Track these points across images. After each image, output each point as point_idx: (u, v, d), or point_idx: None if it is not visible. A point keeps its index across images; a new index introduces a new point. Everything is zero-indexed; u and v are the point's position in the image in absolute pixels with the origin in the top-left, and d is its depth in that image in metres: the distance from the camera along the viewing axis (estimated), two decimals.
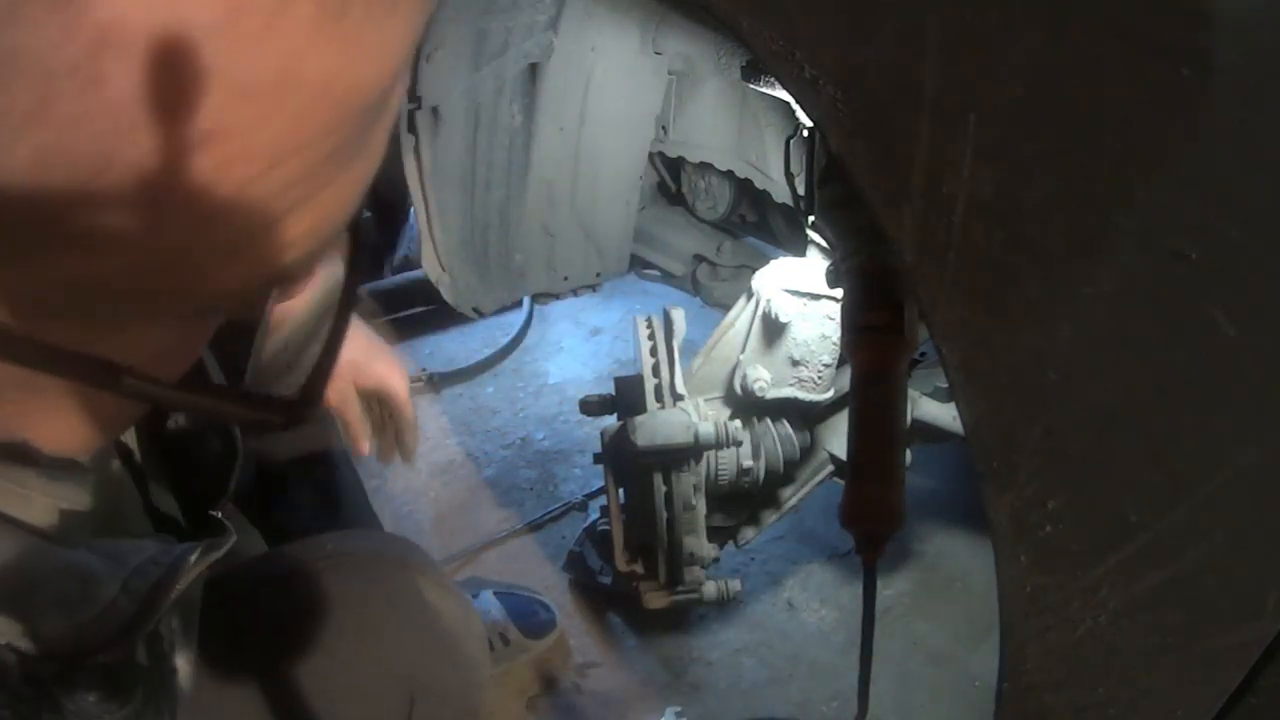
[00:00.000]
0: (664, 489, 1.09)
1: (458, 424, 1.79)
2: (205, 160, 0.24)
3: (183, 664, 0.55)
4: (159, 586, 0.46)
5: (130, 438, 0.57)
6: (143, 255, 0.27)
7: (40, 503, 0.45)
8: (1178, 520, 0.42)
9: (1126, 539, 0.43)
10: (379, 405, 0.95)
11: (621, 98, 1.55)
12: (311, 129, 0.26)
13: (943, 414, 1.18)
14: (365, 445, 0.94)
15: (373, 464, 1.67)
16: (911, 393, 1.15)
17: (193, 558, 0.47)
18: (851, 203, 0.68)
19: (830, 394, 1.14)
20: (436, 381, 1.85)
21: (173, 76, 0.22)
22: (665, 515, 1.09)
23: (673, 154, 1.66)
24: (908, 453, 0.89)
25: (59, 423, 0.35)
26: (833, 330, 1.10)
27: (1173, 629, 0.44)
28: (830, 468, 1.20)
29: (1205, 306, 0.39)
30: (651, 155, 1.70)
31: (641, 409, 1.09)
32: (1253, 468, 0.40)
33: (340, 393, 0.90)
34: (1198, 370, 0.40)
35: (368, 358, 0.91)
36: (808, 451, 1.20)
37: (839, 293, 0.82)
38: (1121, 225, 0.39)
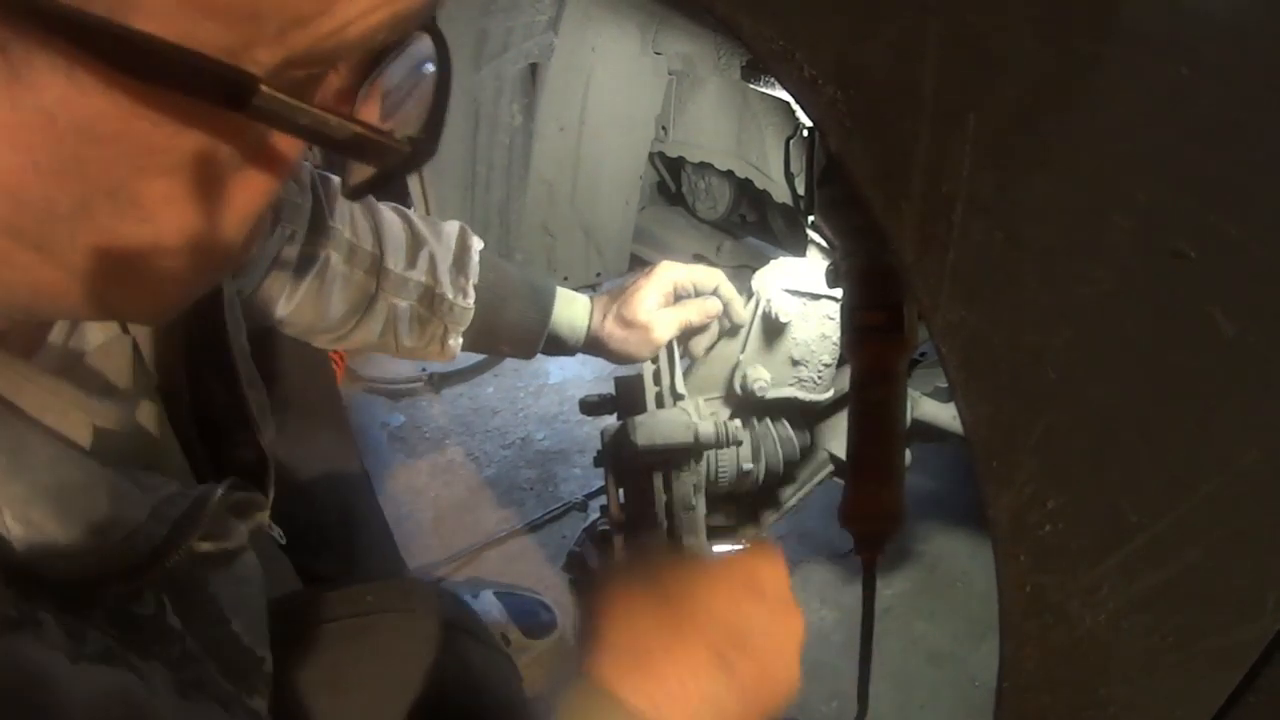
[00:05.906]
0: (664, 489, 1.09)
1: (458, 424, 1.78)
2: None
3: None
4: (188, 517, 0.45)
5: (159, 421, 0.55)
6: None
7: (76, 417, 0.43)
8: (1178, 520, 0.42)
9: (1126, 539, 0.43)
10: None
11: (621, 98, 1.54)
12: None
13: (943, 414, 1.18)
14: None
15: (373, 466, 1.69)
16: (911, 393, 1.15)
17: (218, 493, 0.46)
18: (851, 203, 0.68)
19: (830, 394, 1.14)
20: (436, 381, 1.85)
21: None
22: (665, 516, 1.09)
23: (673, 154, 1.66)
24: (908, 453, 0.89)
25: (140, 279, 0.36)
26: (833, 330, 1.10)
27: (1173, 629, 0.44)
28: (830, 468, 1.20)
29: (1205, 306, 0.39)
30: (651, 155, 1.70)
31: (641, 409, 1.09)
32: (1253, 468, 0.40)
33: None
34: (1197, 370, 0.40)
35: (651, 321, 1.04)
36: (808, 451, 1.20)
37: (839, 293, 0.82)
38: (1121, 225, 0.39)
